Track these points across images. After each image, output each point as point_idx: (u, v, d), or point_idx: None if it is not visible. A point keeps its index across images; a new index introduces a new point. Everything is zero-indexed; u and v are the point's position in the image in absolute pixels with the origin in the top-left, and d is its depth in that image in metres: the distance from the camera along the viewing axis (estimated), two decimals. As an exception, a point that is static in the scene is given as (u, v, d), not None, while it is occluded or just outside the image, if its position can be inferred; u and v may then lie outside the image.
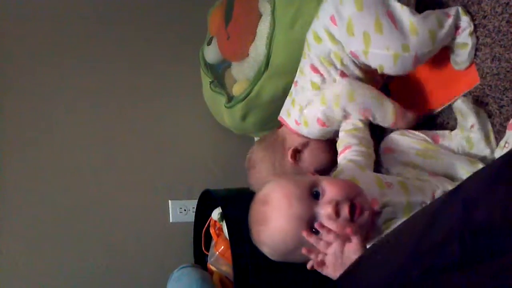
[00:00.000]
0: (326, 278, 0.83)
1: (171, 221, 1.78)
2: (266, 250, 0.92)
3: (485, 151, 1.02)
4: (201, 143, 1.91)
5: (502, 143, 0.99)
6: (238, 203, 1.35)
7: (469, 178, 0.64)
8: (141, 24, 1.90)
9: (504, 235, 0.52)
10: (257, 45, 1.48)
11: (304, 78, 1.19)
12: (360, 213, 0.84)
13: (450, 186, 0.95)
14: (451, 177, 1.01)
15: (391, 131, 1.14)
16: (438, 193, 0.94)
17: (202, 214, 1.61)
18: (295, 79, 1.25)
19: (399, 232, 0.73)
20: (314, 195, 0.87)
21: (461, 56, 1.08)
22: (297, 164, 1.24)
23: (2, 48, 1.67)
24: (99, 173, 1.72)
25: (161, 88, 1.89)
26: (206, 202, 1.59)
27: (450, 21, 1.04)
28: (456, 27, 1.06)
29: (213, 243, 1.53)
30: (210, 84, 1.73)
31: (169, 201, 1.79)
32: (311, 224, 0.85)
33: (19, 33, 1.71)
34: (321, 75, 1.14)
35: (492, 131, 1.03)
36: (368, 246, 0.81)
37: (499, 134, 1.03)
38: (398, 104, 1.14)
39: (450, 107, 1.14)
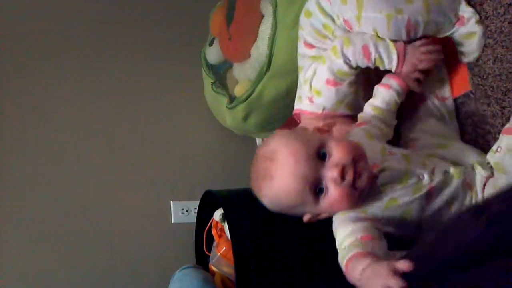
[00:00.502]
0: (329, 278, 0.83)
1: (172, 221, 1.78)
2: (265, 201, 0.94)
3: None
4: (202, 144, 1.91)
5: (494, 147, 0.97)
6: (240, 204, 1.36)
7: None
8: (143, 25, 1.91)
9: None
10: (258, 46, 1.48)
11: (304, 63, 1.19)
12: (359, 177, 0.87)
13: (452, 169, 0.95)
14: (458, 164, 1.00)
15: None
16: (438, 171, 0.94)
17: (204, 215, 1.61)
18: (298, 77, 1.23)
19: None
20: (321, 156, 0.88)
21: (469, 46, 1.07)
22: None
23: (2, 48, 1.67)
24: (100, 173, 1.72)
25: (163, 88, 1.89)
26: (207, 202, 1.59)
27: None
28: (457, 17, 1.05)
29: (214, 244, 1.53)
30: (212, 84, 1.73)
31: (171, 201, 1.79)
32: (315, 185, 0.87)
33: (19, 33, 1.71)
34: (317, 48, 1.14)
35: None
36: (367, 206, 0.90)
37: (501, 136, 1.02)
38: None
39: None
